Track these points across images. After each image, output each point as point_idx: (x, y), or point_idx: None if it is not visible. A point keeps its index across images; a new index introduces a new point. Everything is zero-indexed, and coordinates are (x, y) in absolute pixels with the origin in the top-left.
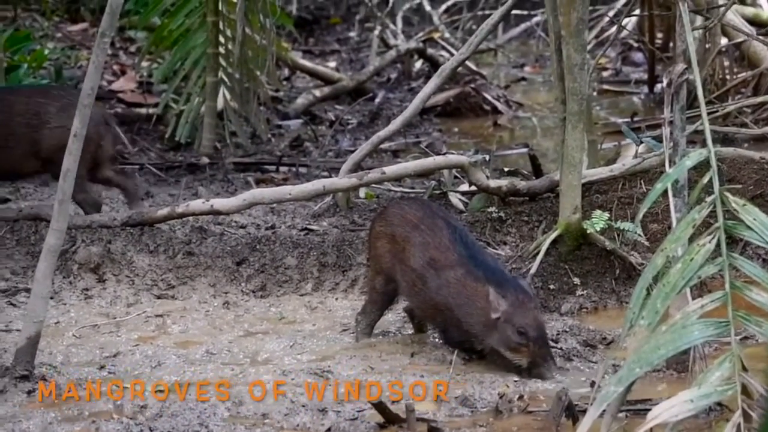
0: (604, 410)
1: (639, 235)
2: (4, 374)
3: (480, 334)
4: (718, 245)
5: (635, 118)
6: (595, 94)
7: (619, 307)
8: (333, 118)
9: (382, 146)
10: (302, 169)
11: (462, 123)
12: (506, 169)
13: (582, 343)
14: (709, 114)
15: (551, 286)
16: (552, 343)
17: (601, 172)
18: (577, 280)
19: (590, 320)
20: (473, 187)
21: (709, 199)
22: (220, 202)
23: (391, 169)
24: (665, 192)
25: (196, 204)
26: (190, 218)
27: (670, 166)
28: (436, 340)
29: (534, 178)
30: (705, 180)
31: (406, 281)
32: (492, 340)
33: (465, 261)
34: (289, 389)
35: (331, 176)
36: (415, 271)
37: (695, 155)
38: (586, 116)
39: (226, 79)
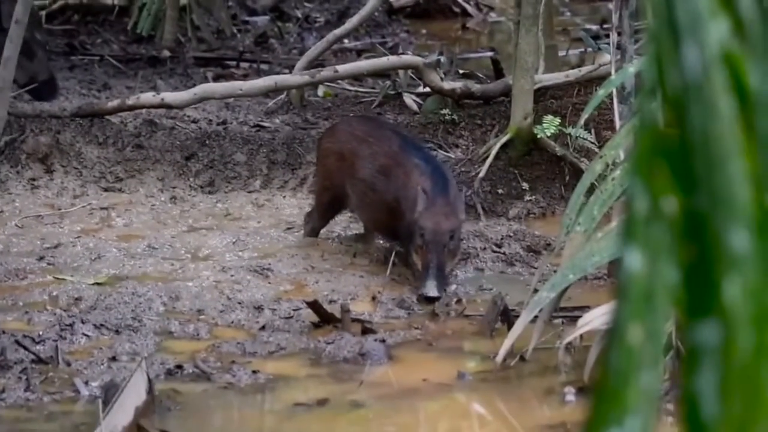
0: (536, 316)
1: (590, 141)
2: None
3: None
4: None
5: (605, 26)
6: (567, 0)
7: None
8: (301, 16)
9: (347, 46)
10: (264, 66)
11: (431, 25)
12: (461, 72)
13: (525, 249)
14: None
15: (500, 191)
16: (495, 248)
17: (556, 77)
18: (525, 185)
19: (537, 226)
20: (428, 89)
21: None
22: (170, 96)
23: (344, 68)
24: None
25: (147, 97)
26: (143, 111)
27: (616, 72)
28: (380, 242)
29: (493, 81)
30: (648, 87)
31: (356, 194)
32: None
33: (413, 159)
34: (227, 286)
35: (290, 73)
36: (365, 181)
37: (638, 62)
38: (545, 21)
39: None
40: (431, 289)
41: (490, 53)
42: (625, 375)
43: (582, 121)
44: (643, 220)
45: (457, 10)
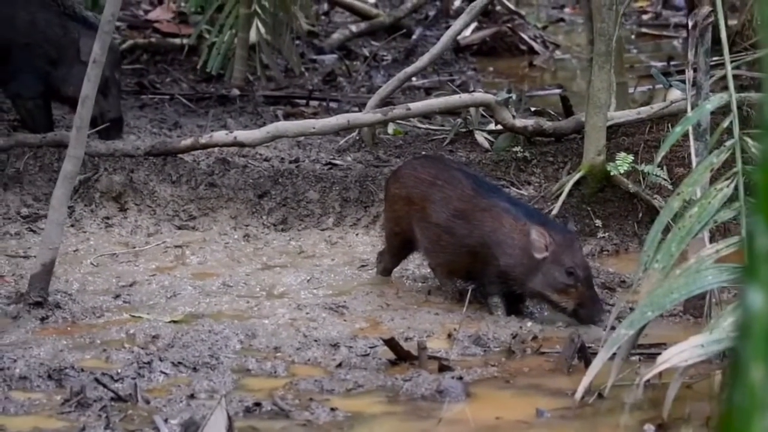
0: (614, 353)
1: (663, 178)
2: (18, 300)
3: (520, 276)
4: (736, 190)
5: (671, 62)
6: (633, 37)
7: (641, 251)
8: (368, 54)
9: (415, 83)
10: (333, 104)
11: (497, 63)
12: (533, 109)
13: (600, 286)
14: (741, 59)
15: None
16: None
17: (628, 114)
18: (599, 222)
19: (610, 263)
20: (499, 126)
21: (728, 143)
22: (243, 134)
23: (416, 106)
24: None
25: (220, 135)
26: (215, 150)
27: (692, 109)
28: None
29: (563, 118)
30: (725, 124)
31: (428, 238)
32: (535, 283)
33: (498, 202)
34: (303, 323)
35: (360, 111)
36: (439, 226)
37: (716, 99)
38: (616, 58)
39: (259, 11)
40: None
41: (557, 90)
42: (748, 414)
43: (659, 159)
44: (765, 258)
45: (523, 47)
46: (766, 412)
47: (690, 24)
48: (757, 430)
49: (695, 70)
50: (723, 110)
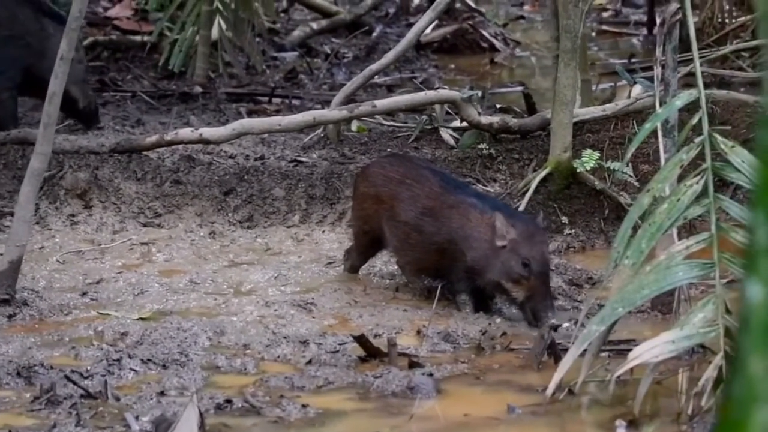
0: (585, 349)
1: (629, 175)
2: None
3: (483, 268)
4: (705, 186)
5: (632, 60)
6: (593, 34)
7: (607, 247)
8: (329, 51)
9: (377, 81)
10: (295, 101)
11: (458, 60)
12: (498, 106)
13: (568, 282)
14: (704, 56)
15: None
16: None
17: (594, 111)
18: (565, 219)
19: (577, 259)
20: (465, 123)
21: (697, 140)
22: (208, 131)
23: (382, 103)
24: (657, 133)
25: (185, 132)
26: (179, 147)
27: (660, 106)
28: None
29: (527, 115)
30: (694, 120)
31: (397, 236)
32: (493, 272)
33: (465, 198)
34: (271, 320)
35: (323, 108)
36: (408, 224)
37: (685, 96)
38: (580, 55)
39: (221, 8)
40: (555, 318)
41: (519, 88)
42: (747, 407)
43: (628, 156)
44: (764, 252)
45: (484, 45)
46: (764, 405)
47: (658, 20)
48: (756, 423)
49: (663, 67)
50: (688, 107)
